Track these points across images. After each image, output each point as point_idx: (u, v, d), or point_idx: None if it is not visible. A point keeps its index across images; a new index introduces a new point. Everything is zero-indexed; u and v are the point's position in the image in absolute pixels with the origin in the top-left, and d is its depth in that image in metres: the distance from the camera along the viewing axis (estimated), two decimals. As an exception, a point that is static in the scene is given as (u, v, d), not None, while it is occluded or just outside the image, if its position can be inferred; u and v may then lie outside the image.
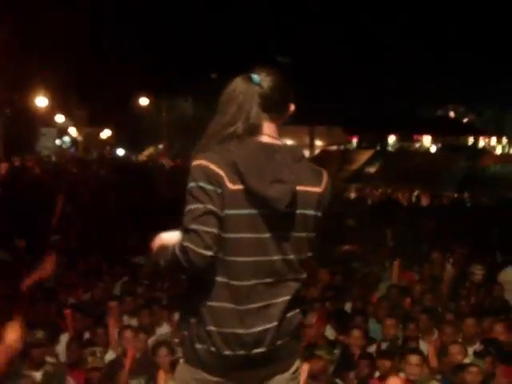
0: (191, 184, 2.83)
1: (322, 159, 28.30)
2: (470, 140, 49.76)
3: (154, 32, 34.45)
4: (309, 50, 33.11)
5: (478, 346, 7.60)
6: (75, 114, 52.99)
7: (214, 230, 2.79)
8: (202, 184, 2.80)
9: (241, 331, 2.89)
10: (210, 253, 2.78)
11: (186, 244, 2.78)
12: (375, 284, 10.36)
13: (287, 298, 2.97)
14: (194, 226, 2.78)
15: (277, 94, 3.01)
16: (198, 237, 2.77)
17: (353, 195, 25.21)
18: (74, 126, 61.48)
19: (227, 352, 2.90)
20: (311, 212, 2.99)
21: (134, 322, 8.25)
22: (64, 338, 7.65)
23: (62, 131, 62.18)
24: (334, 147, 36.00)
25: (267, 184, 2.81)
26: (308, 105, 35.16)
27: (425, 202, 21.66)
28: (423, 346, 7.66)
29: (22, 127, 37.21)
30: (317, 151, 34.43)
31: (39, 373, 6.85)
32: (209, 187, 2.80)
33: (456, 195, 23.34)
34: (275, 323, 2.93)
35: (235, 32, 32.97)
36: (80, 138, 64.84)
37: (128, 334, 7.23)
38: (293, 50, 34.30)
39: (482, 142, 50.86)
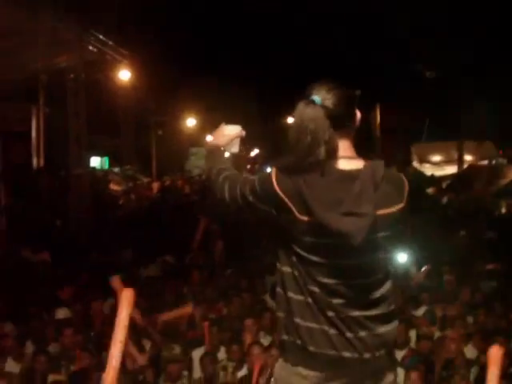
0: (255, 179, 3.00)
1: (469, 174, 27.54)
2: None
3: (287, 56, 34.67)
4: (456, 64, 32.36)
5: None
6: (224, 133, 54.12)
7: (243, 199, 3.01)
8: (258, 188, 2.95)
9: (329, 330, 2.90)
10: (227, 201, 3.09)
11: (226, 184, 3.10)
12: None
13: (375, 312, 2.94)
14: (240, 182, 3.05)
15: (342, 108, 2.94)
16: (234, 188, 3.05)
17: (503, 211, 24.36)
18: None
19: (312, 348, 2.90)
20: (394, 230, 2.95)
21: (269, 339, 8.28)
22: (197, 353, 7.79)
23: (212, 151, 63.61)
24: (485, 162, 34.93)
25: (339, 217, 2.77)
26: (456, 119, 34.43)
27: None
28: None
29: (172, 147, 38.32)
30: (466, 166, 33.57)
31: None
32: (259, 195, 2.95)
33: None
34: (365, 333, 2.91)
35: (384, 48, 32.67)
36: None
37: (256, 350, 7.26)
38: (441, 64, 33.64)
39: None
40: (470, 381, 7.16)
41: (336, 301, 2.89)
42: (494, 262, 12.39)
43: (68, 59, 17.35)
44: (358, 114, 3.06)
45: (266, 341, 8.10)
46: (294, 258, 2.92)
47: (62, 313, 9.24)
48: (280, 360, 3.08)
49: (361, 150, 3.04)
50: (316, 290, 2.88)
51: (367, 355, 2.91)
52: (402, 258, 10.61)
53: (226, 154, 3.43)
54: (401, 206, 2.93)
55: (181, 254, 13.03)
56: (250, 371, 7.06)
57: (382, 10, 29.79)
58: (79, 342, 7.76)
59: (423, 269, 10.95)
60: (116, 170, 29.65)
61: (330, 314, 2.88)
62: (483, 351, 7.88)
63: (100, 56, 18.54)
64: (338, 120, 2.92)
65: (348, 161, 2.93)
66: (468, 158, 35.45)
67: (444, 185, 27.67)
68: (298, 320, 2.91)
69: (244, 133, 3.52)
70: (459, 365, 7.39)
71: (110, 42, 18.54)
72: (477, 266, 12.15)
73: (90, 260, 12.63)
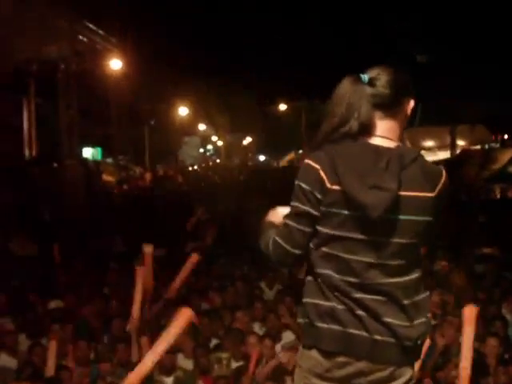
0: (295, 182, 2.91)
1: (461, 159, 27.48)
2: None
3: (292, 36, 34.61)
4: (449, 47, 32.31)
5: None
6: (217, 122, 54.00)
7: (306, 229, 2.88)
8: (301, 184, 2.87)
9: (337, 306, 2.85)
10: (296, 251, 2.91)
11: (276, 238, 2.94)
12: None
13: (385, 299, 2.85)
14: (288, 222, 2.92)
15: (389, 89, 2.93)
16: (289, 233, 2.91)
17: (497, 195, 24.34)
18: (216, 134, 62.75)
19: (319, 323, 2.87)
20: (420, 218, 2.87)
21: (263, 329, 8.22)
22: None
23: (205, 139, 63.67)
24: (478, 146, 34.89)
25: (365, 188, 2.76)
26: (449, 104, 34.36)
27: None
28: None
29: (165, 137, 38.26)
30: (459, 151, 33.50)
31: (170, 378, 6.97)
32: (306, 188, 2.85)
33: None
34: (372, 317, 2.84)
35: (374, 34, 32.63)
36: (222, 146, 66.17)
37: (252, 339, 7.23)
38: (433, 48, 33.57)
39: None
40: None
41: (347, 278, 2.84)
42: (488, 246, 12.35)
43: (58, 49, 17.24)
44: (411, 103, 3.03)
45: (260, 331, 8.05)
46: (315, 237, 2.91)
47: (54, 303, 9.10)
48: (300, 348, 3.05)
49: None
50: (327, 269, 2.87)
51: (377, 337, 2.82)
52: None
53: None
54: (429, 194, 2.87)
55: (173, 244, 12.89)
56: (246, 362, 6.99)
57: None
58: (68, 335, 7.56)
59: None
60: (109, 160, 29.61)
61: (337, 293, 2.84)
62: (482, 339, 7.88)
63: (90, 45, 18.46)
64: (381, 99, 2.93)
65: (381, 139, 2.93)
66: (461, 142, 35.38)
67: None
68: (308, 300, 2.92)
69: None
70: (456, 352, 7.34)
71: (101, 31, 18.46)
72: (471, 251, 12.10)
73: (88, 248, 12.54)
